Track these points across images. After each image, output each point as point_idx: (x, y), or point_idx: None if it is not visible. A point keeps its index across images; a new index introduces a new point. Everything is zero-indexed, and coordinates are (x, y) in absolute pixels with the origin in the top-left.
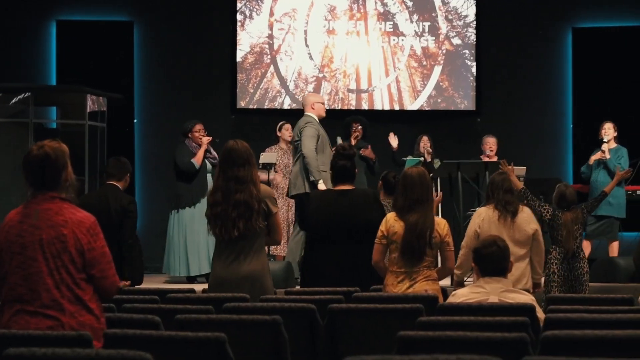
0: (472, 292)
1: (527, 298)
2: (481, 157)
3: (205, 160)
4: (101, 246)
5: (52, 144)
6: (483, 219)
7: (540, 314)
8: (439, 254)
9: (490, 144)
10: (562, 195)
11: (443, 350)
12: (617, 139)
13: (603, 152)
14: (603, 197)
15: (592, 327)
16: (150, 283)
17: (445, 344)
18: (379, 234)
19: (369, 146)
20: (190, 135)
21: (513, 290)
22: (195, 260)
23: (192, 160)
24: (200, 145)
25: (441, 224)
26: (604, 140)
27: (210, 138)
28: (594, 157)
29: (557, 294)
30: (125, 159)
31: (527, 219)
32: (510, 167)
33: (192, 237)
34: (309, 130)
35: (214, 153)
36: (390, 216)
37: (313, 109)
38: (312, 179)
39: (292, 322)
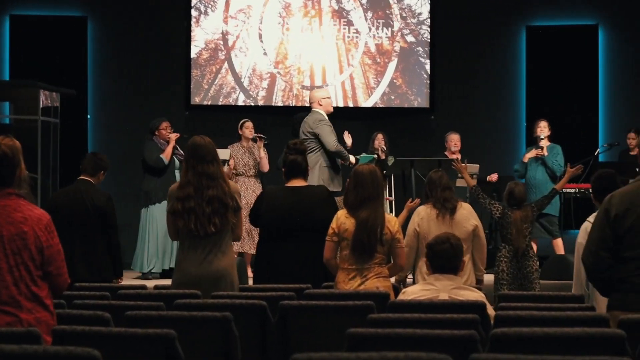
0: (423, 289)
1: (478, 295)
2: (445, 153)
3: (174, 156)
4: (57, 243)
5: (7, 141)
6: (422, 217)
7: (491, 311)
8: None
9: (455, 140)
10: (511, 192)
11: (393, 347)
12: (551, 137)
13: (542, 148)
14: (554, 194)
15: (541, 325)
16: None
17: (395, 341)
18: (330, 231)
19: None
20: (157, 133)
21: (464, 288)
22: (169, 255)
23: (160, 155)
24: (167, 142)
25: (392, 220)
26: (541, 137)
27: (178, 135)
28: (529, 155)
29: (507, 292)
30: (102, 156)
31: (466, 216)
32: (463, 164)
33: (163, 233)
34: (325, 128)
35: (181, 150)
36: (341, 213)
37: (320, 105)
38: (349, 164)
39: (243, 319)
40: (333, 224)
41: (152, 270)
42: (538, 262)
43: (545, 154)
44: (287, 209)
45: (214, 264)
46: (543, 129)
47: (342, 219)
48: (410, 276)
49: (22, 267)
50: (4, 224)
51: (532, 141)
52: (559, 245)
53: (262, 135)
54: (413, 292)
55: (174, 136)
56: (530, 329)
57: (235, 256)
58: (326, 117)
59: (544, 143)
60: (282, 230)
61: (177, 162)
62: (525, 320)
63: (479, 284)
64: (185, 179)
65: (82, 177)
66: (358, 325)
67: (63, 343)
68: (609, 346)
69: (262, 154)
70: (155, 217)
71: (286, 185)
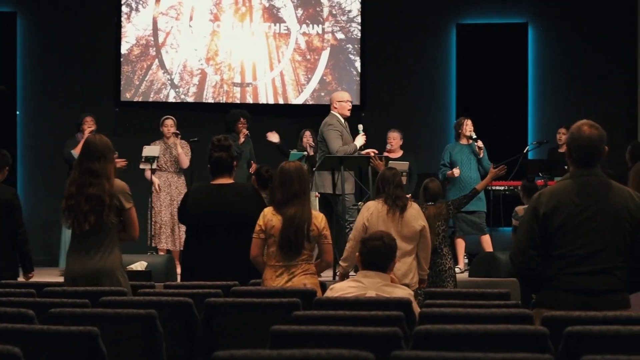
0: (350, 286)
1: (405, 293)
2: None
3: None
4: None
5: None
6: (372, 212)
7: (417, 308)
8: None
9: (391, 138)
10: (425, 188)
11: (317, 344)
12: (500, 134)
13: (480, 148)
14: (474, 194)
15: (466, 322)
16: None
17: (319, 338)
18: (257, 228)
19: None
20: (81, 128)
21: (391, 285)
22: None
23: (72, 151)
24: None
25: (318, 217)
26: (473, 137)
27: (92, 129)
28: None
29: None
30: (5, 152)
31: (415, 215)
32: (381, 162)
33: None
34: (330, 132)
35: None
36: (268, 210)
37: (335, 107)
38: (356, 153)
39: (169, 316)
40: (260, 221)
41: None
42: (452, 260)
43: (481, 155)
44: (213, 205)
45: (92, 263)
46: (471, 127)
47: (269, 216)
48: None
49: None
50: None
51: (480, 137)
52: (487, 241)
53: (177, 132)
54: (340, 289)
55: (88, 131)
56: (454, 326)
57: (164, 253)
58: (339, 121)
59: (480, 143)
60: (208, 227)
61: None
62: (450, 317)
63: (422, 283)
64: (72, 177)
65: None
66: (284, 323)
67: None
68: (531, 343)
69: (179, 150)
70: None
71: (212, 182)
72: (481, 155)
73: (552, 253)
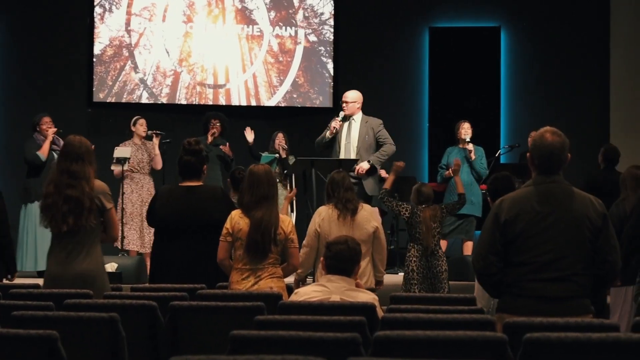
0: (315, 290)
1: (369, 297)
2: None
3: (53, 152)
4: None
5: None
6: (323, 217)
7: (381, 313)
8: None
9: None
10: (418, 191)
11: (276, 349)
12: (473, 138)
13: (470, 151)
14: (461, 198)
15: (428, 327)
16: None
17: (278, 343)
18: (224, 231)
19: (227, 144)
20: (38, 129)
21: (356, 290)
22: (45, 254)
23: (37, 152)
24: (46, 138)
25: (285, 221)
26: (467, 140)
27: (56, 130)
28: (447, 173)
29: (417, 292)
30: None
31: (367, 217)
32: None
33: (41, 231)
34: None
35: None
36: (235, 213)
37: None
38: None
39: (133, 319)
40: (227, 224)
41: (26, 269)
42: (446, 263)
43: (473, 157)
44: (180, 207)
45: (74, 265)
46: (467, 130)
47: (237, 219)
48: (310, 277)
49: None
50: None
51: (454, 142)
52: (468, 247)
53: (159, 132)
54: (305, 293)
55: (51, 131)
56: (413, 332)
57: (135, 255)
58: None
59: (471, 146)
60: (175, 229)
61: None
62: (411, 323)
63: (378, 285)
64: (50, 177)
65: None
66: (248, 327)
67: None
68: (490, 350)
69: (157, 151)
70: (34, 214)
71: (180, 184)
72: (472, 159)
73: (514, 260)
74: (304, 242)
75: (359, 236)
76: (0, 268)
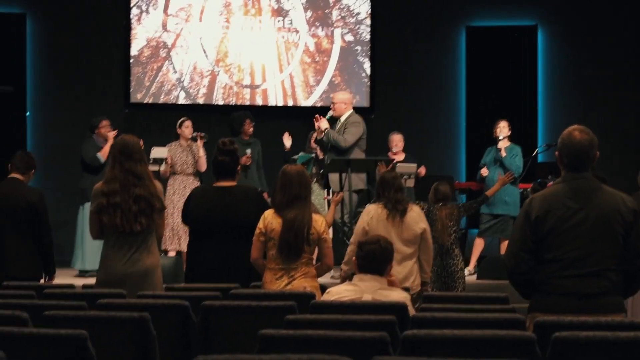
0: (347, 289)
1: (401, 296)
2: (389, 154)
3: None
4: None
5: None
6: (372, 216)
7: (413, 312)
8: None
9: (396, 141)
10: (435, 190)
11: (304, 349)
12: (511, 137)
13: (500, 149)
14: (484, 200)
15: (458, 327)
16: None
17: (306, 342)
18: (257, 230)
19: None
20: (97, 131)
21: (388, 288)
22: None
23: (97, 154)
24: (106, 140)
25: (319, 220)
26: (499, 138)
27: (116, 132)
28: (483, 173)
29: (430, 290)
30: (32, 155)
31: (415, 218)
32: (387, 168)
33: None
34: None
35: None
36: (269, 213)
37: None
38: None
39: (165, 318)
40: (260, 224)
41: (89, 269)
42: (463, 262)
43: (503, 154)
44: (214, 207)
45: (140, 263)
46: (502, 129)
47: (269, 219)
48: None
49: None
50: None
51: (492, 141)
52: (505, 246)
53: (203, 134)
54: (337, 292)
55: (112, 134)
56: (441, 331)
57: (174, 254)
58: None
59: (503, 144)
60: (210, 230)
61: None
62: (441, 322)
63: (424, 286)
64: (111, 174)
65: (12, 175)
66: (280, 326)
67: None
68: (519, 349)
69: (201, 154)
70: None
71: (214, 184)
72: (503, 155)
73: (544, 257)
74: (351, 239)
75: (407, 237)
76: (40, 269)
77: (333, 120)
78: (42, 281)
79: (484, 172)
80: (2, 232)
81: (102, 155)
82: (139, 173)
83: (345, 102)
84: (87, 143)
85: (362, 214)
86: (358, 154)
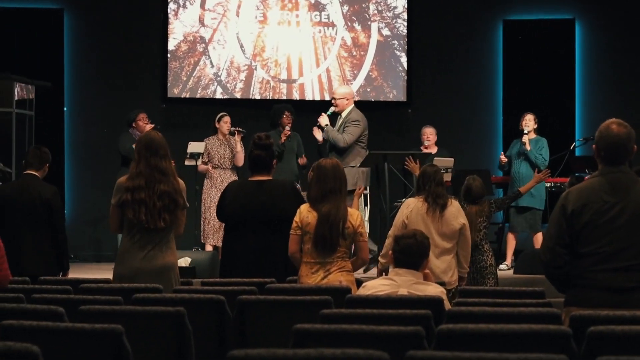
0: (382, 283)
1: (437, 290)
2: (421, 148)
3: None
4: None
5: None
6: (411, 210)
7: (449, 306)
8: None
9: (428, 134)
10: (468, 189)
11: (339, 343)
12: (537, 130)
13: (524, 143)
14: (517, 196)
15: (493, 321)
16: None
17: (341, 337)
18: (294, 224)
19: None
20: (134, 124)
21: (424, 283)
22: None
23: (133, 146)
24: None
25: (354, 214)
26: (525, 132)
27: (153, 125)
28: (503, 159)
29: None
30: (45, 149)
31: (455, 213)
32: (416, 165)
33: None
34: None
35: None
36: (304, 207)
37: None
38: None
39: (201, 313)
40: (296, 218)
41: None
42: (494, 257)
43: (528, 148)
44: (249, 202)
45: (158, 259)
46: (528, 122)
47: (305, 213)
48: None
49: None
50: None
51: (518, 134)
52: (538, 240)
53: (241, 129)
54: (373, 287)
55: (149, 127)
56: (476, 326)
57: (211, 249)
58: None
59: (527, 137)
60: (245, 224)
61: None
62: (477, 316)
63: (461, 281)
64: (136, 170)
65: (28, 172)
66: (316, 321)
67: (11, 338)
68: (555, 343)
69: (239, 148)
70: None
71: (249, 179)
72: (528, 149)
73: (580, 251)
74: (389, 232)
75: (445, 231)
76: (55, 264)
77: (335, 116)
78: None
79: (503, 159)
80: (17, 228)
81: None
82: (164, 169)
83: (347, 97)
84: (124, 136)
85: (402, 207)
86: (358, 152)
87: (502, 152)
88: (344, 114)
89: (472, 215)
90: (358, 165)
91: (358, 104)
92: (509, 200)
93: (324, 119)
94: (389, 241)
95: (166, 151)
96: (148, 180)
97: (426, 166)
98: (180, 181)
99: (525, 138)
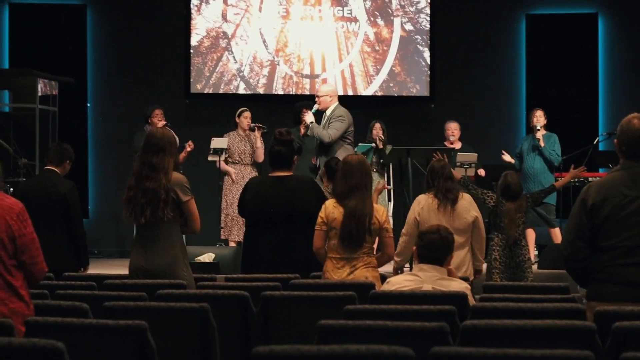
0: (407, 279)
1: (461, 286)
2: (445, 143)
3: None
4: (30, 232)
5: None
6: (422, 206)
7: (473, 302)
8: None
9: (453, 129)
10: (507, 186)
11: (363, 339)
12: (549, 126)
13: (539, 139)
14: (551, 190)
15: (518, 317)
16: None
17: (366, 333)
18: (319, 220)
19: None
20: (150, 121)
21: (448, 279)
22: None
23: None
24: None
25: (380, 210)
26: (537, 128)
27: (164, 122)
28: (506, 159)
29: (499, 280)
30: (67, 146)
31: (466, 207)
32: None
33: None
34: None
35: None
36: (330, 202)
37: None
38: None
39: (225, 309)
40: (322, 213)
41: None
42: (529, 251)
43: (542, 144)
44: (270, 198)
45: (152, 259)
46: (539, 118)
47: (331, 208)
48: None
49: None
50: None
51: (530, 130)
52: (556, 234)
53: (261, 125)
54: (397, 282)
55: (161, 124)
56: (501, 321)
57: (234, 245)
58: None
59: (541, 133)
60: (265, 220)
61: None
62: (501, 312)
63: (477, 274)
64: (134, 169)
65: (47, 167)
66: (340, 317)
67: (36, 334)
68: (579, 339)
69: (259, 144)
70: None
71: (270, 174)
72: (542, 145)
73: (600, 245)
74: (403, 230)
75: (458, 226)
76: (73, 260)
77: (320, 114)
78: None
79: (506, 157)
80: (34, 223)
81: None
82: (155, 165)
83: (330, 95)
84: (138, 132)
85: (413, 204)
86: (346, 149)
87: (503, 151)
88: (328, 112)
89: (511, 211)
90: None
91: (381, 99)
92: (543, 195)
93: (308, 117)
94: (403, 239)
95: (162, 146)
96: (137, 178)
97: (433, 162)
98: (176, 175)
99: (539, 134)
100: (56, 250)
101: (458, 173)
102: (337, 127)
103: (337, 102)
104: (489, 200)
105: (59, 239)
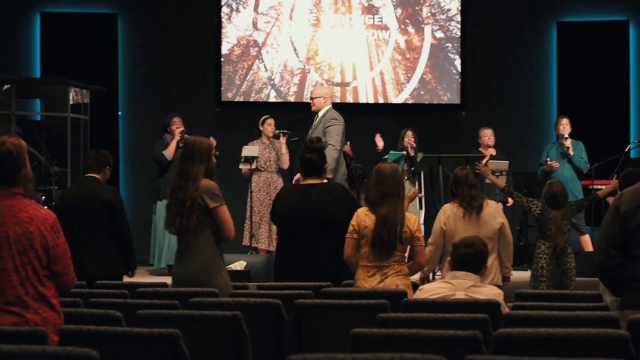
0: (439, 287)
1: (494, 294)
2: (480, 149)
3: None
4: (63, 242)
5: (12, 140)
6: (448, 216)
7: (506, 309)
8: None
9: (489, 135)
10: (554, 195)
11: (396, 348)
12: (576, 134)
13: (568, 148)
14: (594, 199)
15: (551, 325)
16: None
17: (398, 341)
18: (350, 228)
19: (348, 142)
20: (168, 129)
21: (481, 285)
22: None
23: (163, 152)
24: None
25: (411, 219)
26: (565, 136)
27: (183, 129)
28: (547, 167)
29: (546, 289)
30: (105, 152)
31: (492, 214)
32: (487, 167)
33: None
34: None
35: None
36: (361, 211)
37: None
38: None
39: (257, 317)
40: (353, 221)
41: (157, 265)
42: (574, 259)
43: (572, 153)
44: (302, 205)
45: (185, 266)
46: (565, 126)
47: (362, 216)
48: (438, 273)
49: (28, 267)
50: (10, 224)
51: (572, 137)
52: (586, 241)
53: (286, 131)
54: (430, 290)
55: (178, 131)
56: (535, 330)
57: (264, 252)
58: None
59: (569, 142)
60: (297, 227)
61: None
62: (535, 320)
63: (505, 281)
64: (173, 179)
65: (88, 175)
66: (372, 325)
67: (69, 342)
68: (613, 347)
69: (284, 150)
70: (161, 212)
71: (301, 183)
72: (571, 154)
73: (634, 252)
74: (430, 240)
75: (484, 234)
76: (121, 265)
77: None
78: (125, 278)
79: (554, 164)
80: (78, 231)
81: (169, 152)
82: (187, 173)
83: (324, 97)
84: (158, 141)
85: (439, 214)
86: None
87: (548, 158)
88: (320, 113)
89: (557, 219)
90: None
91: (411, 107)
92: (587, 203)
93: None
94: (429, 249)
95: (194, 154)
96: (172, 188)
97: (456, 170)
98: (205, 182)
99: (568, 142)
100: (104, 256)
101: (501, 181)
102: (336, 132)
103: (331, 105)
104: (535, 208)
105: (106, 245)
